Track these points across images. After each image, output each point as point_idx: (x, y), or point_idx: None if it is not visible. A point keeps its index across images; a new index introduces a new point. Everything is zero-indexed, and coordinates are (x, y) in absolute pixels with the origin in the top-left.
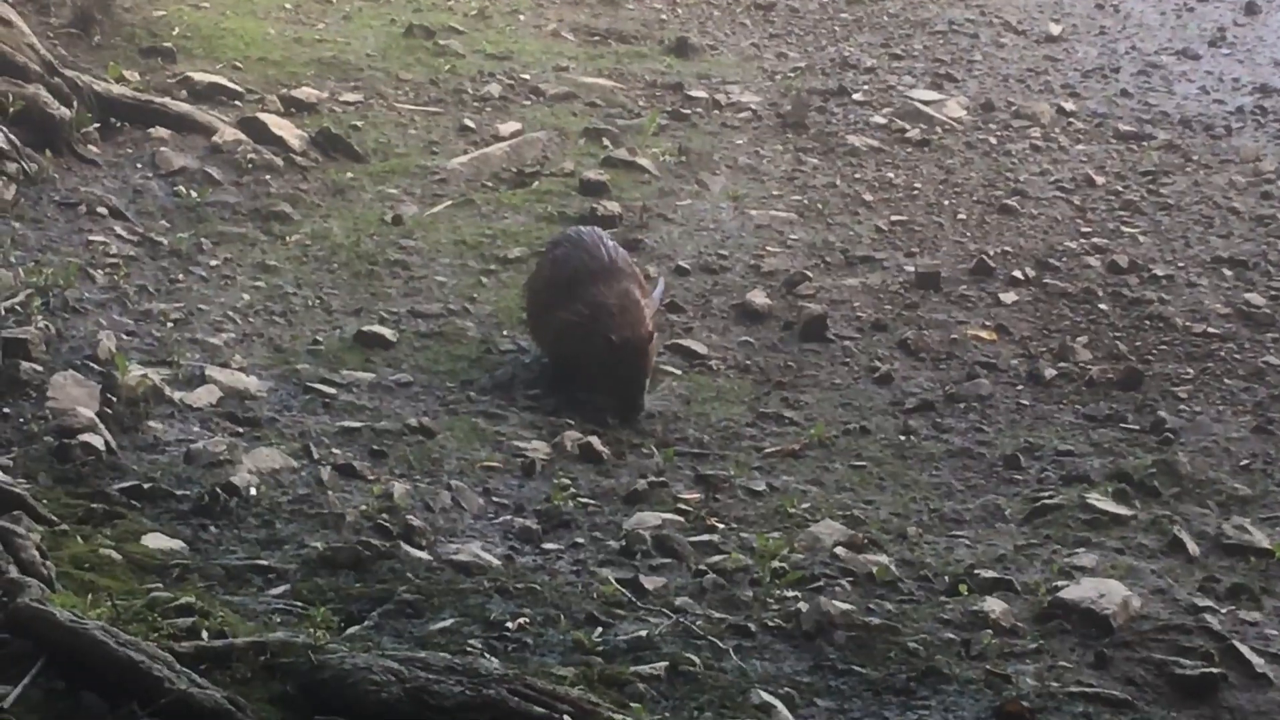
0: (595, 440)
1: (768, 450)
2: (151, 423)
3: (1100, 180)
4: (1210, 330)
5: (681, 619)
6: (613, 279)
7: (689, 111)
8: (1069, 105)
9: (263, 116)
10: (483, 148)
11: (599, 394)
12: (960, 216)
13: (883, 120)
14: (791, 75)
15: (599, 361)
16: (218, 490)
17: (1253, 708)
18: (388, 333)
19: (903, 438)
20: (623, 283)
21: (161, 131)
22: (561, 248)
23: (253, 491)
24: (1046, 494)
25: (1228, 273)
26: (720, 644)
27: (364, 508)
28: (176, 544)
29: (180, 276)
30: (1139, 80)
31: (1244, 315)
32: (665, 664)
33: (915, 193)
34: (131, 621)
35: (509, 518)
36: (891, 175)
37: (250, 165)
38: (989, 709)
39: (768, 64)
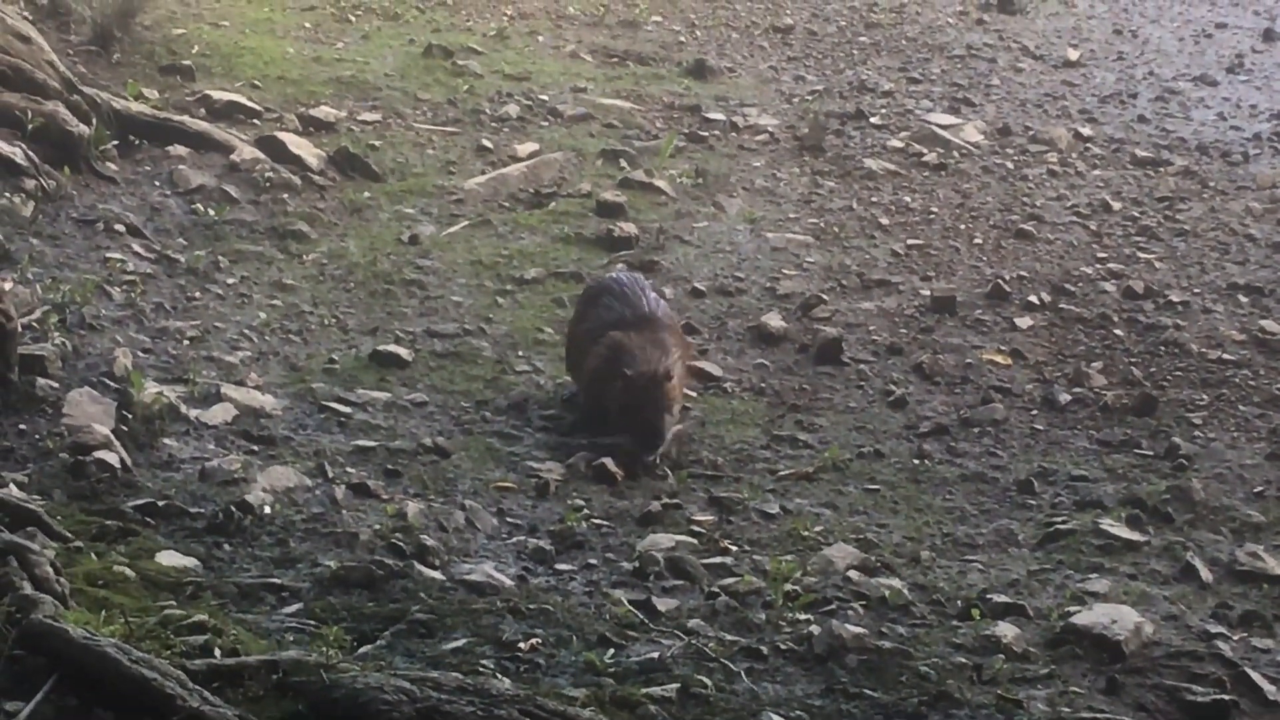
0: (609, 461)
1: (782, 473)
2: (166, 440)
3: (1117, 206)
4: (1225, 357)
5: (694, 641)
6: (647, 326)
7: (706, 134)
8: (1086, 130)
9: (281, 135)
10: (500, 168)
11: (620, 434)
12: (976, 241)
13: (900, 144)
14: (809, 98)
15: (619, 400)
16: (232, 508)
17: None
18: (403, 352)
19: (917, 462)
20: (656, 331)
21: (180, 149)
22: (605, 299)
23: (267, 510)
24: (1060, 519)
25: (1243, 299)
26: (732, 666)
27: (378, 527)
28: (190, 561)
29: (197, 294)
30: (1156, 106)
31: (1259, 342)
32: (677, 686)
33: (932, 217)
34: (144, 639)
35: (522, 538)
36: (908, 199)
37: (268, 184)
38: None
39: (785, 87)
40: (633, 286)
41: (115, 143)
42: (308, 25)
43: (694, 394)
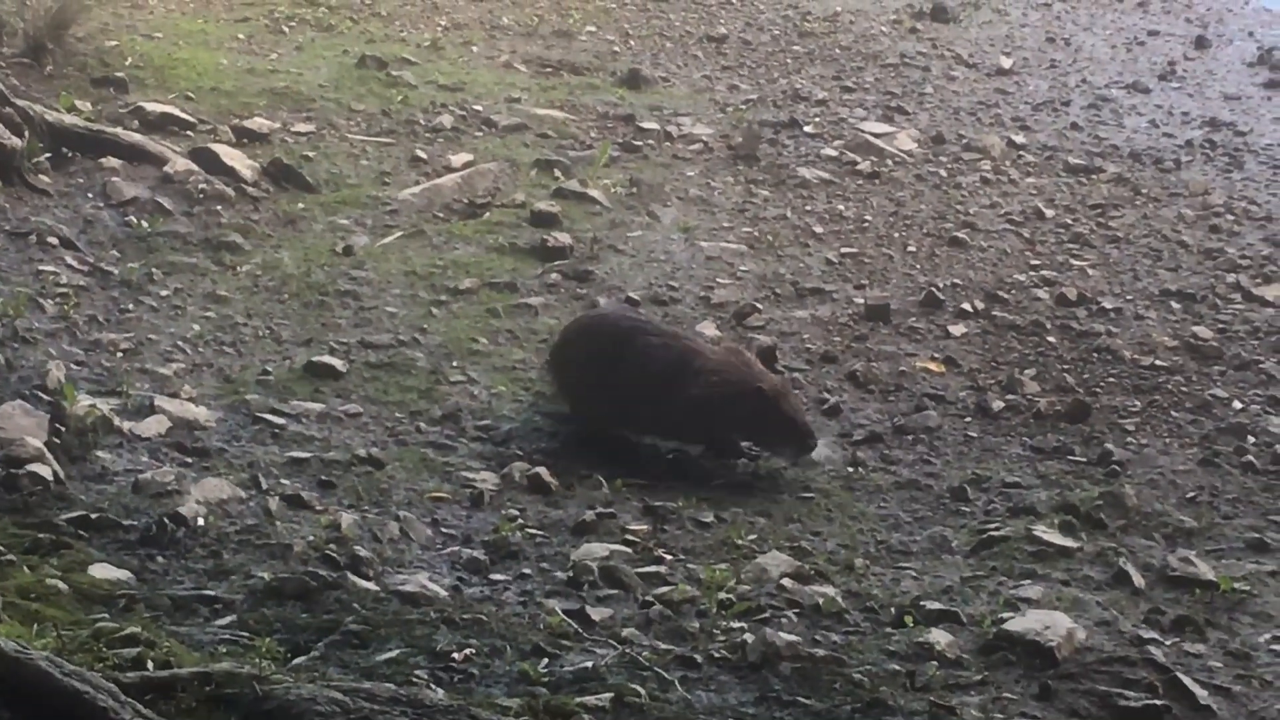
0: (544, 471)
1: (716, 482)
2: (100, 453)
3: (1050, 213)
4: (1158, 363)
5: (628, 650)
6: (700, 346)
7: (640, 143)
8: (1019, 138)
9: (214, 147)
10: (434, 179)
11: (764, 448)
12: (910, 249)
13: (834, 152)
14: (743, 107)
15: (752, 417)
16: (165, 520)
17: None
18: (337, 363)
19: (851, 469)
20: (703, 343)
21: (113, 161)
22: (644, 340)
23: (200, 522)
24: (993, 526)
25: (1175, 305)
26: (666, 675)
27: (311, 538)
28: (123, 574)
29: (130, 306)
30: (1089, 114)
31: (1191, 348)
32: (611, 695)
33: (865, 225)
34: (77, 651)
35: (457, 548)
36: (842, 207)
37: (201, 195)
38: None
39: (719, 96)
40: (642, 315)
41: (48, 155)
42: (241, 37)
43: None
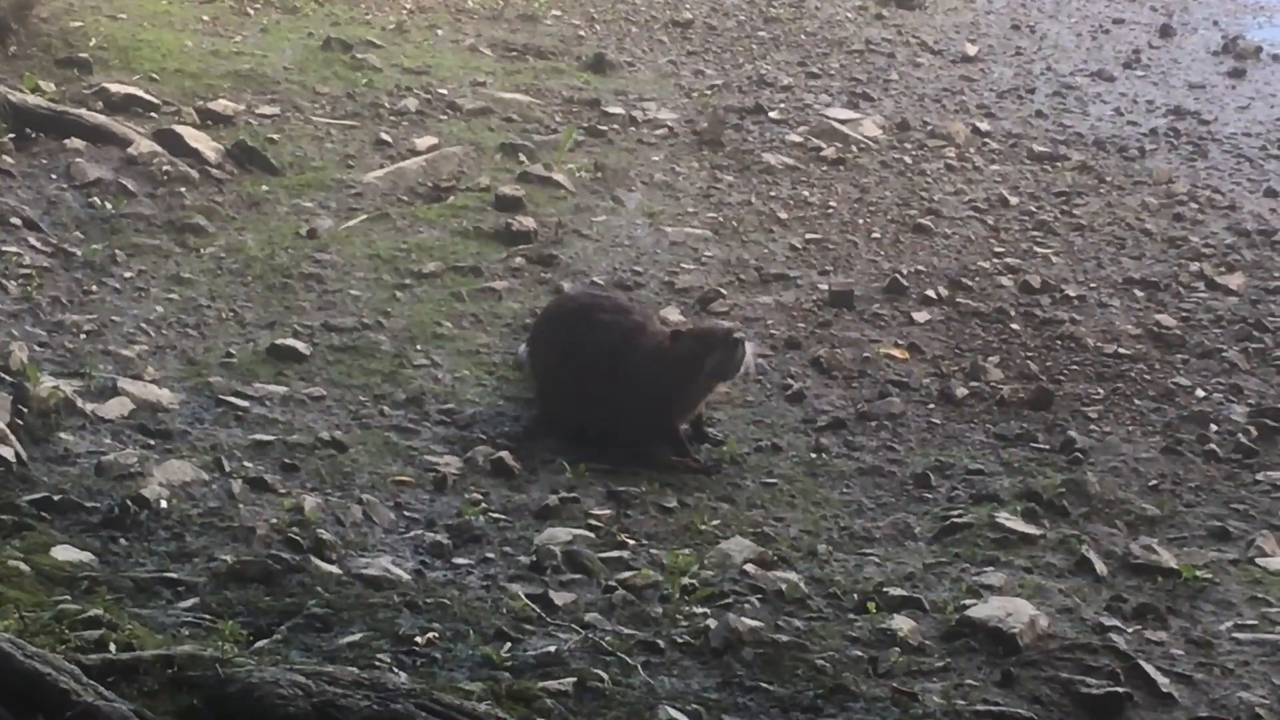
0: (507, 455)
1: (680, 467)
2: (62, 434)
3: (1014, 200)
4: (1121, 351)
5: (590, 635)
6: (649, 322)
7: (605, 128)
8: (984, 125)
9: (179, 128)
10: (399, 162)
11: (708, 376)
12: (874, 235)
13: (799, 138)
14: (708, 92)
15: (681, 359)
16: (128, 502)
17: None
18: (301, 346)
19: (814, 455)
20: (655, 321)
21: (77, 142)
22: (599, 315)
23: (163, 504)
24: (956, 513)
25: (1139, 294)
26: (629, 660)
27: (274, 521)
28: (86, 556)
29: (94, 288)
30: (1054, 101)
31: (1154, 336)
32: (573, 680)
33: (830, 211)
34: (39, 633)
35: (420, 532)
36: (807, 193)
37: (165, 177)
38: None
39: (685, 81)
40: (602, 293)
41: (11, 136)
42: (206, 18)
43: None
